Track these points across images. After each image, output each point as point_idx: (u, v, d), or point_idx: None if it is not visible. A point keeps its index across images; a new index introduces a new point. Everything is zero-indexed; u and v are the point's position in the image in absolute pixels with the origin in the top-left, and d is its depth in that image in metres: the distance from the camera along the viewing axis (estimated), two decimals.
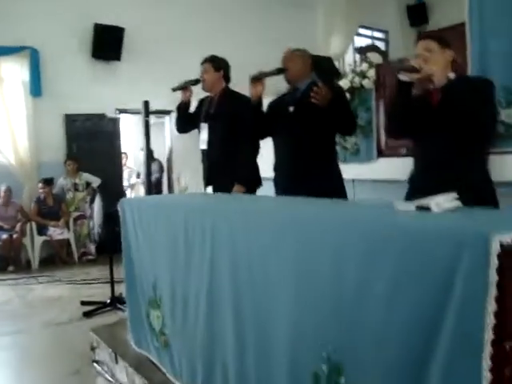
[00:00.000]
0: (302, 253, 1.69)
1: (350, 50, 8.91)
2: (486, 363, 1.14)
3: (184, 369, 2.50)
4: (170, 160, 8.70)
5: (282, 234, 1.80)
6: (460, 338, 1.16)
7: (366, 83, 4.65)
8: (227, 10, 7.37)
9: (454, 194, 1.70)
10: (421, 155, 2.73)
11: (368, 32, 9.41)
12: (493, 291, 1.11)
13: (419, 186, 2.55)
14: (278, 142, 3.41)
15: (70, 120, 7.39)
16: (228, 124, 3.69)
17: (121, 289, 4.01)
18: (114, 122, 7.68)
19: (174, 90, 3.90)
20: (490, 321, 1.10)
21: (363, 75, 4.69)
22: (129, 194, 9.46)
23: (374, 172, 4.68)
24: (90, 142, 7.40)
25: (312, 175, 3.16)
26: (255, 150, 3.71)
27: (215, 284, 2.17)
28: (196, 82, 3.86)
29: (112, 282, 4.53)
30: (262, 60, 5.54)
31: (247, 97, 3.55)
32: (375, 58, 5.39)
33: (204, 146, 3.83)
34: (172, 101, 6.60)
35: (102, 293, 5.07)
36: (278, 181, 3.38)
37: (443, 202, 1.64)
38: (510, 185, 3.15)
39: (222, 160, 3.72)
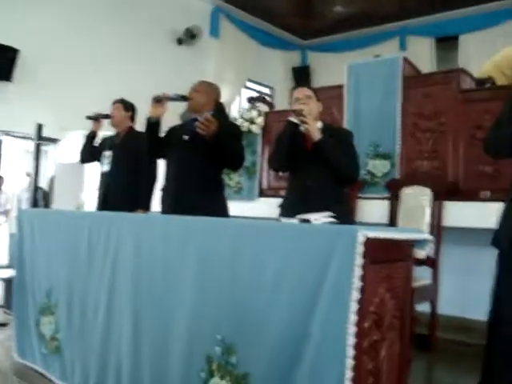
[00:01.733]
0: (201, 252, 2.00)
1: (237, 100, 9.48)
2: (351, 331, 1.51)
3: (76, 372, 2.64)
4: (51, 189, 8.57)
5: (184, 239, 2.09)
6: (334, 303, 1.52)
7: (254, 128, 5.08)
8: (126, 42, 7.54)
9: (330, 213, 2.10)
10: (295, 185, 3.18)
11: (255, 86, 10.05)
12: (358, 271, 1.49)
13: (291, 210, 2.96)
14: (168, 166, 3.52)
15: None
16: (130, 156, 4.11)
17: None
18: None
19: (89, 118, 4.28)
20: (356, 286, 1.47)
21: (252, 121, 5.12)
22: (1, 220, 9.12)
23: (255, 210, 5.03)
24: None
25: (196, 204, 3.22)
26: (154, 179, 4.14)
27: (116, 287, 2.39)
28: (106, 116, 4.28)
29: None
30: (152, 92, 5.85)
31: None
32: (263, 107, 5.90)
33: (105, 170, 4.18)
34: (59, 129, 6.66)
35: None
36: (162, 202, 3.49)
37: (320, 217, 2.04)
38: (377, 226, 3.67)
39: (118, 185, 4.08)
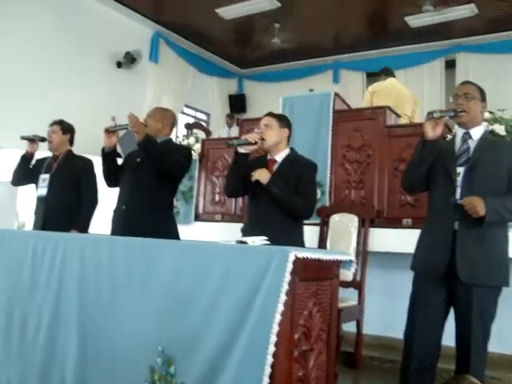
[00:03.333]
0: (144, 269, 2.14)
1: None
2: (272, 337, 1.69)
3: None
4: None
5: (128, 257, 2.23)
6: (262, 316, 1.69)
7: (192, 155, 5.23)
8: (65, 63, 7.49)
9: (265, 237, 2.28)
10: (251, 209, 3.28)
11: (192, 112, 10.23)
12: (286, 286, 1.68)
13: (247, 234, 3.06)
14: (121, 188, 3.62)
15: None
16: (68, 180, 4.06)
17: None
18: None
19: (23, 138, 4.15)
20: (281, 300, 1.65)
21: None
22: None
23: (191, 233, 5.16)
24: None
25: (144, 224, 3.34)
26: (96, 202, 4.14)
27: (61, 304, 2.47)
28: (43, 139, 4.19)
29: None
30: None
31: (87, 159, 4.14)
32: (200, 134, 6.09)
33: (43, 194, 4.06)
34: None
35: None
36: (114, 221, 3.58)
37: (257, 240, 2.22)
38: None
39: (57, 209, 3.99)
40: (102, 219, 4.12)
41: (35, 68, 7.09)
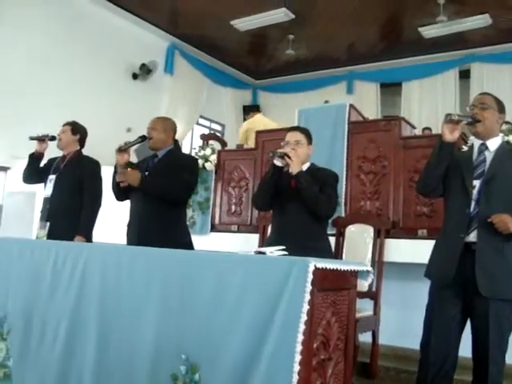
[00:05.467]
0: (165, 280, 2.19)
1: (189, 135, 9.72)
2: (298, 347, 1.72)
3: None
4: None
5: (148, 267, 2.28)
6: (286, 324, 1.73)
7: (208, 165, 5.30)
8: (82, 74, 7.57)
9: (283, 247, 2.32)
10: (276, 221, 3.34)
11: (207, 123, 10.33)
12: (308, 296, 1.71)
13: (272, 245, 3.09)
14: (132, 202, 3.66)
15: None
16: (73, 181, 4.03)
17: None
18: None
19: (32, 138, 4.18)
20: (305, 309, 1.69)
21: (206, 159, 5.34)
22: None
23: (207, 244, 5.20)
24: None
25: (156, 236, 3.35)
26: (98, 206, 4.10)
27: (81, 310, 2.51)
28: (52, 138, 4.19)
29: None
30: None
31: (94, 161, 4.16)
32: (216, 145, 6.15)
33: (48, 194, 4.07)
34: (9, 157, 6.59)
35: None
36: (128, 235, 3.62)
37: (274, 250, 2.26)
38: None
39: (59, 210, 3.96)
40: (116, 232, 4.08)
41: (52, 79, 7.22)
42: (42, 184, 4.21)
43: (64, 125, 4.25)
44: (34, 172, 4.21)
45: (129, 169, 3.46)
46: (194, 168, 3.69)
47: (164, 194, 3.48)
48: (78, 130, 4.23)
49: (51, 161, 4.27)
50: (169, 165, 3.56)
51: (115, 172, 3.59)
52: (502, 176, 2.57)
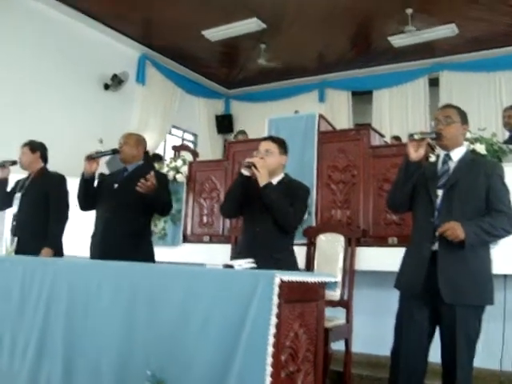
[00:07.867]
0: (130, 294, 2.18)
1: (162, 145, 9.69)
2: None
3: None
4: None
5: (115, 283, 2.27)
6: (254, 338, 1.73)
7: (179, 177, 5.28)
8: (51, 84, 7.47)
9: (252, 259, 2.33)
10: (245, 230, 3.34)
11: (180, 133, 10.30)
12: (275, 309, 1.72)
13: (240, 254, 3.09)
14: (98, 213, 3.68)
15: None
16: (38, 196, 4.09)
17: None
18: None
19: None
20: (273, 322, 1.70)
21: (177, 170, 5.32)
22: None
23: (179, 255, 5.18)
24: None
25: (121, 248, 3.39)
26: (65, 218, 4.12)
27: (48, 327, 2.49)
28: (13, 162, 4.28)
29: None
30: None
31: (59, 175, 4.18)
32: (188, 156, 6.13)
33: (15, 212, 4.14)
34: None
35: None
36: (92, 247, 3.63)
37: (243, 263, 2.27)
38: None
39: (25, 226, 4.03)
40: (80, 244, 4.03)
41: (21, 90, 7.08)
42: None
43: (22, 147, 4.30)
44: (2, 198, 4.27)
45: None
46: (167, 183, 3.81)
47: (163, 202, 3.59)
48: (36, 148, 4.29)
49: (18, 181, 4.35)
50: (138, 180, 3.49)
51: (82, 179, 3.61)
52: (463, 184, 2.62)
